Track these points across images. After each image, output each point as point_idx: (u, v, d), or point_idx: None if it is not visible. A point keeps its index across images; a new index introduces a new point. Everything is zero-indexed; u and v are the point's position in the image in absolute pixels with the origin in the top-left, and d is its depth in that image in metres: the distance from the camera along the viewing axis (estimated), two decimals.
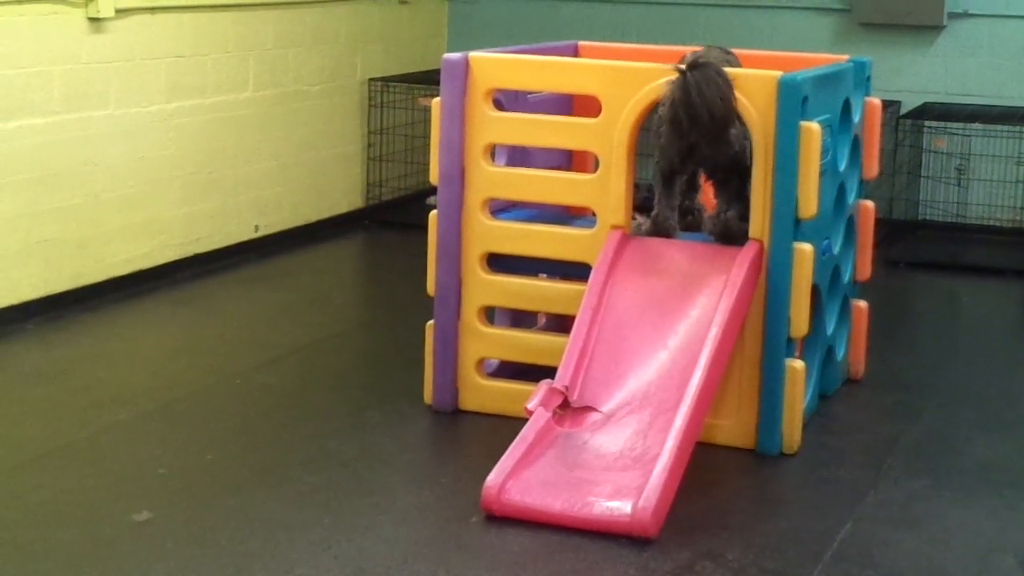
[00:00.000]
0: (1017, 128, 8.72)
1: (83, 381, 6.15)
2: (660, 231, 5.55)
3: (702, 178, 5.80)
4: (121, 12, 7.28)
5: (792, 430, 5.44)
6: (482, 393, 5.72)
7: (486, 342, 5.77)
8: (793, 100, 5.25)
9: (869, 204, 6.32)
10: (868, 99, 6.19)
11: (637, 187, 5.67)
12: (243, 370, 6.27)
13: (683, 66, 5.27)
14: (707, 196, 5.92)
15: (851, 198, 6.09)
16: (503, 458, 4.84)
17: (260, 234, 8.48)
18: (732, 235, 5.48)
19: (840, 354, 6.14)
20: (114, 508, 4.81)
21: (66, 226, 7.11)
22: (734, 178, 5.48)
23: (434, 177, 5.75)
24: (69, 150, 7.09)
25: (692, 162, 5.51)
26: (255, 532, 4.62)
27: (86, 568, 4.40)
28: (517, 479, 4.80)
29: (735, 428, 5.44)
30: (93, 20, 7.15)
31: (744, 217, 5.42)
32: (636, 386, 5.08)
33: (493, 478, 4.81)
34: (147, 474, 5.10)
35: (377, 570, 4.40)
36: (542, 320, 6.25)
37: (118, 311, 7.17)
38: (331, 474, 5.13)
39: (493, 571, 4.45)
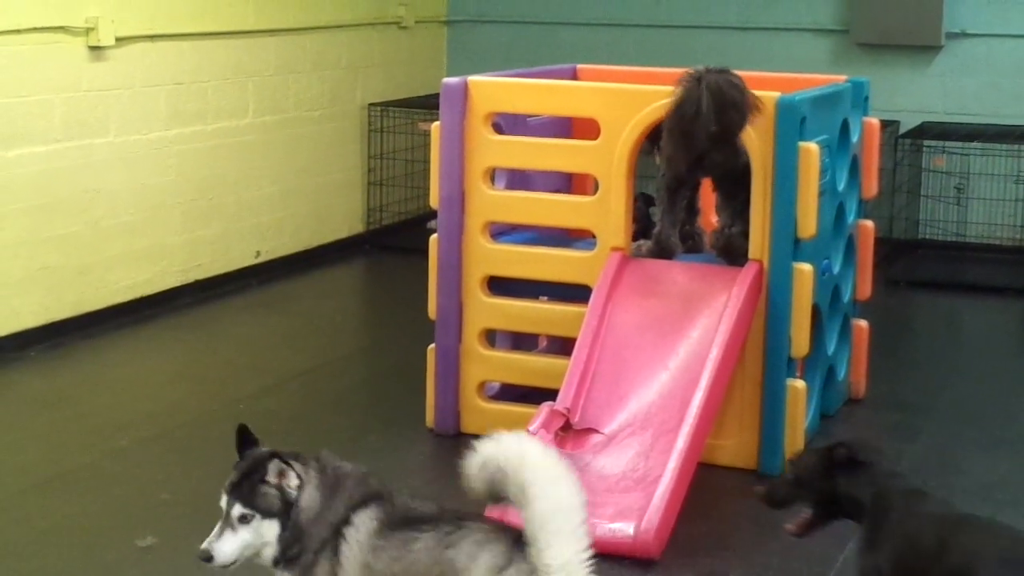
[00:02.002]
0: (1016, 147, 8.74)
1: (85, 408, 6.16)
2: (663, 249, 5.56)
3: (700, 202, 5.82)
4: (121, 40, 7.30)
5: (794, 450, 5.44)
6: (484, 416, 5.71)
7: (487, 365, 5.79)
8: (791, 121, 5.28)
9: (868, 223, 6.33)
10: (866, 119, 6.22)
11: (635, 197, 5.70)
12: (245, 395, 6.28)
13: (700, 68, 5.29)
14: (706, 219, 5.94)
15: (850, 218, 6.11)
16: None
17: (261, 259, 8.50)
18: (735, 251, 5.48)
19: (841, 374, 6.15)
20: (118, 533, 4.83)
21: (67, 253, 7.13)
22: (740, 192, 5.46)
23: (434, 201, 5.77)
24: (70, 177, 7.12)
25: (700, 170, 5.50)
26: None
27: None
28: None
29: (737, 448, 5.46)
30: (94, 48, 7.18)
31: (746, 235, 5.43)
32: (637, 407, 5.09)
33: None
34: (150, 500, 5.12)
35: None
36: (543, 343, 6.26)
37: (120, 338, 7.19)
38: None
39: None
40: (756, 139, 5.31)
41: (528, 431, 4.99)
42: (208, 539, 3.43)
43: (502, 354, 5.89)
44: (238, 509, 3.43)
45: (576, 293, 5.61)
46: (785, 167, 5.29)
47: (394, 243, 9.28)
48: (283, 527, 3.44)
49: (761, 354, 5.39)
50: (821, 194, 5.46)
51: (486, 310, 5.74)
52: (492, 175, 5.79)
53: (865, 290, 6.34)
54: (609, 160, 5.49)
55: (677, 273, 5.50)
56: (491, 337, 5.93)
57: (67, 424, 5.94)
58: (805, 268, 5.38)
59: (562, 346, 5.94)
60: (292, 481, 3.47)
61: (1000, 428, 6.09)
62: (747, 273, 5.33)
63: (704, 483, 5.11)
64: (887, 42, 9.20)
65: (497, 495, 3.23)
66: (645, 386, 5.12)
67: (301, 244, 8.87)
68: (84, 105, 7.17)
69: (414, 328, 6.65)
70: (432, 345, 5.82)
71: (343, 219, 9.29)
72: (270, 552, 3.46)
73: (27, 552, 4.69)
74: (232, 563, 3.43)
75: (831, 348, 5.95)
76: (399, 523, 3.43)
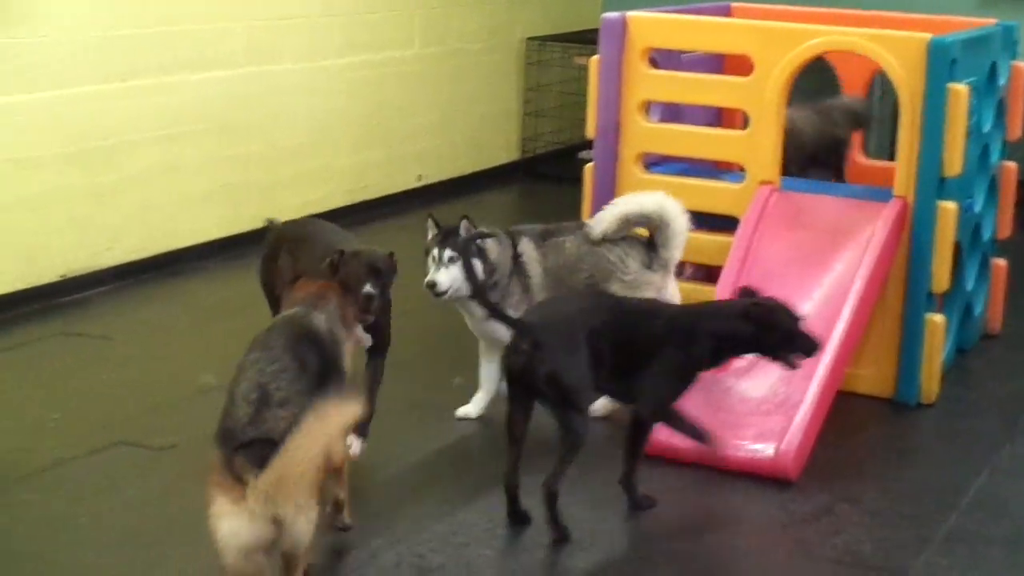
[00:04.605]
0: None
1: (260, 318, 6.20)
2: None
3: None
4: None
5: (930, 381, 5.33)
6: None
7: None
8: (942, 62, 5.12)
9: (1011, 165, 6.12)
10: (1014, 63, 6.00)
11: None
12: (409, 309, 6.26)
13: None
14: None
15: (994, 158, 5.91)
16: None
17: (422, 183, 8.51)
18: None
19: (978, 310, 5.99)
20: None
21: (246, 171, 7.20)
22: None
23: (591, 131, 5.70)
24: (249, 101, 7.17)
25: None
26: None
27: None
28: None
29: (875, 378, 5.34)
30: None
31: None
32: None
33: None
34: None
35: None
36: (689, 270, 6.17)
37: None
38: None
39: (623, 504, 4.42)
40: (907, 78, 5.16)
41: None
42: (428, 276, 4.77)
43: None
44: (447, 253, 4.75)
45: (724, 223, 5.52)
46: (934, 107, 5.14)
47: (546, 171, 9.23)
48: (482, 262, 4.78)
49: (902, 288, 5.26)
50: (967, 135, 5.29)
51: None
52: (647, 108, 5.70)
53: (1005, 229, 6.15)
54: (761, 96, 5.38)
55: (823, 207, 5.39)
56: None
57: (241, 333, 5.96)
58: (949, 206, 5.23)
59: (707, 274, 5.87)
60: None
61: None
62: (892, 209, 5.20)
63: (842, 410, 5.01)
64: None
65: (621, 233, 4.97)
66: None
67: (459, 170, 8.86)
68: (263, 33, 7.21)
69: None
70: None
71: (499, 147, 9.26)
72: (470, 284, 4.68)
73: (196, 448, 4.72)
74: (447, 290, 4.77)
75: (970, 284, 5.78)
76: (546, 236, 5.02)
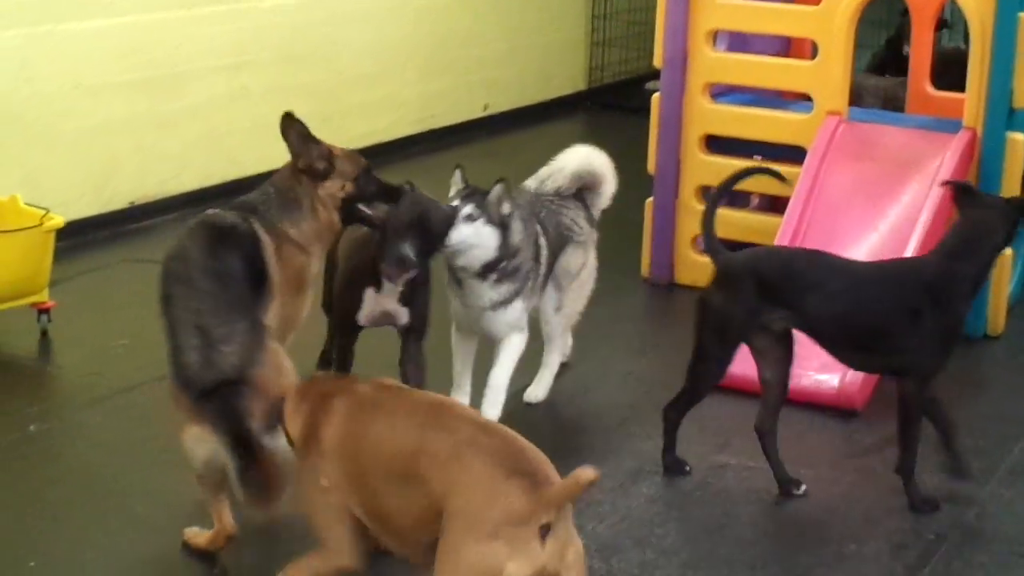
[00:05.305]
0: None
1: None
2: None
3: None
4: None
5: (997, 314, 5.30)
6: (696, 268, 5.66)
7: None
8: None
9: None
10: None
11: None
12: None
13: None
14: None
15: None
16: None
17: (489, 112, 8.51)
18: None
19: None
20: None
21: (311, 100, 7.20)
22: None
23: (658, 61, 5.68)
24: (316, 29, 7.19)
25: None
26: None
27: None
28: None
29: None
30: None
31: None
32: None
33: None
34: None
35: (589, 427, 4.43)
36: (755, 200, 6.17)
37: None
38: None
39: (703, 435, 4.45)
40: (976, 7, 5.10)
41: None
42: None
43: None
44: (467, 209, 4.15)
45: (790, 154, 5.50)
46: (1004, 37, 5.08)
47: (613, 101, 9.20)
48: (502, 238, 4.17)
49: None
50: None
51: (703, 167, 5.66)
52: (714, 37, 5.67)
53: None
54: (830, 25, 5.33)
55: (890, 138, 5.36)
56: (706, 193, 5.86)
57: None
58: (1018, 137, 5.18)
59: (772, 204, 5.86)
60: (506, 208, 4.20)
61: None
62: (960, 140, 5.16)
63: None
64: None
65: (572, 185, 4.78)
66: (855, 246, 5.02)
67: (526, 99, 8.84)
68: None
69: (632, 183, 6.57)
70: (650, 199, 5.78)
71: (566, 77, 9.23)
72: (481, 256, 4.18)
73: None
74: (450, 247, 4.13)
75: None
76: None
